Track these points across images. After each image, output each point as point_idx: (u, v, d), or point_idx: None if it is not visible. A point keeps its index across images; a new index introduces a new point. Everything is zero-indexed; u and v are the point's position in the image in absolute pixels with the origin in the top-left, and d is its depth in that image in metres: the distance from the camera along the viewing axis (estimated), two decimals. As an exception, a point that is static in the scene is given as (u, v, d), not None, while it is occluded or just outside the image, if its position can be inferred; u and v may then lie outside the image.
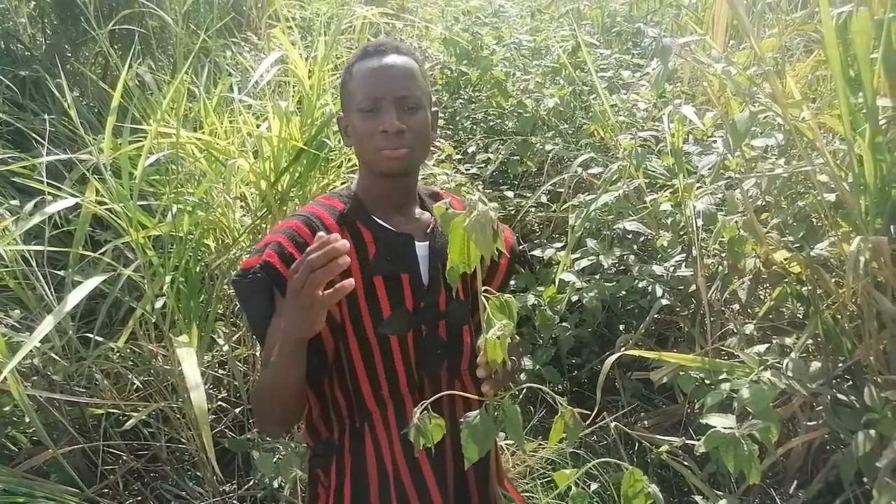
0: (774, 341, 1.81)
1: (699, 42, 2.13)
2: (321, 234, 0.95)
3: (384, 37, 2.35)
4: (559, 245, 2.53)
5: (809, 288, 1.79)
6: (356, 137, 1.15)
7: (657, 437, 1.93)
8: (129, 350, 2.06)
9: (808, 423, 1.76)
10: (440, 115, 3.16)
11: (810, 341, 1.79)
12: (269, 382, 1.11)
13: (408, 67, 1.15)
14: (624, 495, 0.99)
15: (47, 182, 1.81)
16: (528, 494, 2.07)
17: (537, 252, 2.56)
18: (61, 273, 1.94)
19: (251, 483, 2.05)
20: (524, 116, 2.94)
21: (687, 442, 1.74)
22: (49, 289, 1.85)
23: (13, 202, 2.03)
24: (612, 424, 1.92)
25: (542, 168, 2.89)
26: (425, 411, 0.92)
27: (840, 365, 1.71)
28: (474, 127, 3.23)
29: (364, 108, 1.12)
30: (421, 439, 0.91)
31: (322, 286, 0.94)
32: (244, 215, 2.21)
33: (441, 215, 0.90)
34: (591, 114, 2.79)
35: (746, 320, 2.00)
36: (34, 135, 2.25)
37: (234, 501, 2.00)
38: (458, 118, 3.27)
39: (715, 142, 2.21)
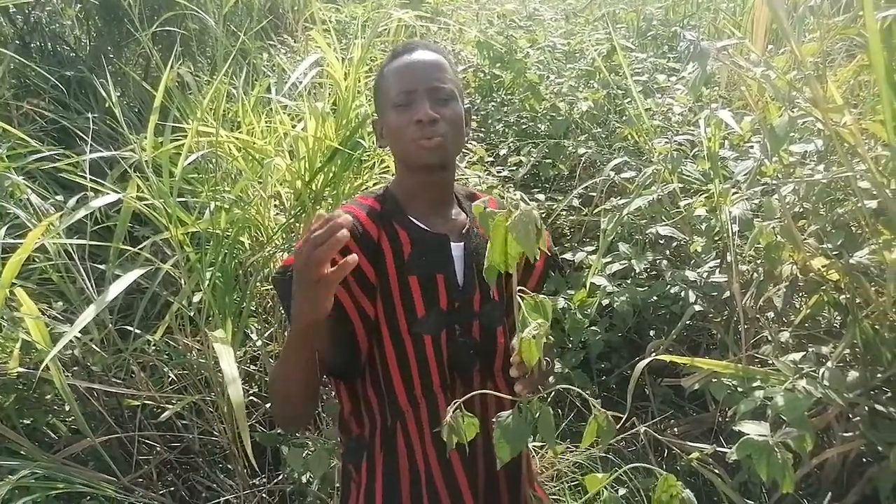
0: (810, 350, 1.77)
1: (737, 46, 2.10)
2: (321, 212, 0.94)
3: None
4: (590, 249, 2.52)
5: (848, 296, 1.76)
6: (392, 134, 1.17)
7: (688, 443, 1.90)
8: (164, 343, 2.10)
9: (845, 435, 1.72)
10: (473, 117, 3.18)
11: (848, 350, 1.76)
12: (278, 370, 1.12)
13: (437, 60, 1.18)
14: (657, 501, 0.97)
15: (90, 178, 1.87)
16: (556, 498, 2.06)
17: (568, 255, 2.56)
18: (101, 267, 1.99)
19: (280, 477, 2.08)
20: (557, 119, 2.93)
21: (718, 450, 1.71)
22: (90, 282, 1.90)
23: (58, 197, 2.09)
24: (642, 430, 1.90)
25: (574, 171, 2.88)
26: (458, 409, 0.92)
27: (879, 375, 1.67)
28: (506, 130, 3.23)
29: (398, 103, 1.15)
30: (453, 438, 0.91)
31: (326, 263, 0.92)
32: (278, 214, 2.25)
33: (479, 214, 0.90)
34: (625, 117, 2.77)
35: (782, 328, 1.97)
36: (78, 132, 2.31)
37: (264, 495, 2.03)
38: (490, 121, 3.27)
39: (752, 147, 2.18)
